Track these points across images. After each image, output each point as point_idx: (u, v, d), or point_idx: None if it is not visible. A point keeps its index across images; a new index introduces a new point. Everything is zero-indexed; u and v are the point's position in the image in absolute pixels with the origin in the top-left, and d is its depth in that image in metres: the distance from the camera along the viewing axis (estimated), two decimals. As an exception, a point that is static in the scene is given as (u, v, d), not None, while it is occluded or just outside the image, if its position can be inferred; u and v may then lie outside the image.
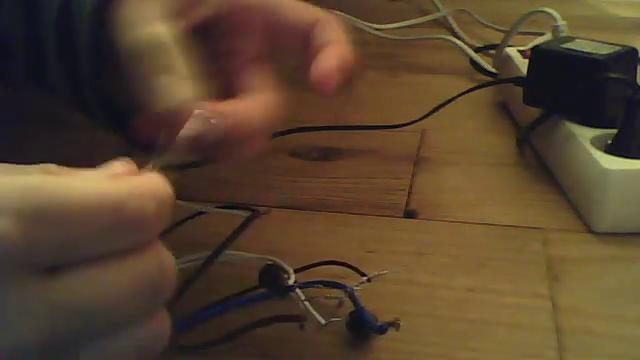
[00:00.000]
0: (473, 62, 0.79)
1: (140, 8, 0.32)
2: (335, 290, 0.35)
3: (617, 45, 0.54)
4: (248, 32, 0.35)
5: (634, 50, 0.54)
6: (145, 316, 0.23)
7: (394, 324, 0.34)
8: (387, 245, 0.45)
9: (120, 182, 0.23)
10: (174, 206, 0.24)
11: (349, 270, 0.38)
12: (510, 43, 0.73)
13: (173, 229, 0.42)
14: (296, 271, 0.37)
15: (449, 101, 0.62)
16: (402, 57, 0.85)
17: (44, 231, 0.20)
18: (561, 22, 0.68)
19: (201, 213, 0.43)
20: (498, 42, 0.76)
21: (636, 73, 0.54)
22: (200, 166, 0.41)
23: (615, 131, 0.48)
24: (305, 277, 0.37)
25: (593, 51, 0.52)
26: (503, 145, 0.60)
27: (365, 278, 0.36)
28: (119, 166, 0.24)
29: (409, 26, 0.94)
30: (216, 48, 0.34)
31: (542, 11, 0.70)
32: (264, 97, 0.34)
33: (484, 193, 0.52)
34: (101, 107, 0.36)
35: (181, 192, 0.42)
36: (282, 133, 0.56)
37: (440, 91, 0.65)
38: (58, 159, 0.61)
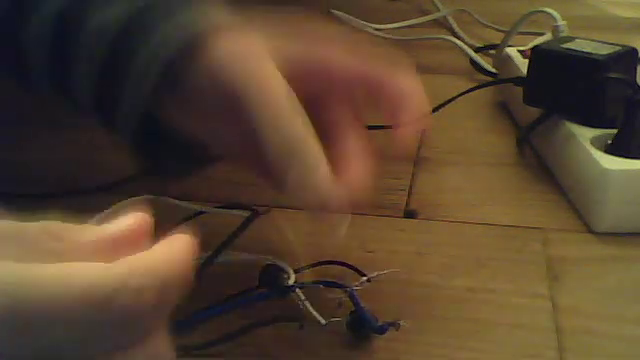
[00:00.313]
0: (473, 62, 0.79)
1: (270, 84, 0.33)
2: (335, 290, 0.35)
3: (617, 45, 0.54)
4: (346, 102, 0.37)
5: (634, 50, 0.54)
6: None
7: (394, 324, 0.34)
8: (387, 245, 0.45)
9: (118, 266, 0.20)
10: (189, 277, 0.22)
11: (349, 270, 0.38)
12: (510, 43, 0.73)
13: (173, 229, 0.42)
14: (296, 271, 0.37)
15: (449, 101, 0.62)
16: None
17: (23, 338, 0.18)
18: (561, 22, 0.68)
19: (201, 213, 0.43)
20: (498, 42, 0.76)
21: (636, 73, 0.53)
22: (198, 172, 0.41)
23: (615, 131, 0.48)
24: (305, 277, 0.37)
25: (593, 51, 0.52)
26: (503, 145, 0.60)
27: (365, 278, 0.36)
28: (132, 221, 0.23)
29: (409, 26, 0.94)
30: (312, 114, 0.35)
31: (542, 11, 0.70)
32: (363, 165, 0.35)
33: (484, 193, 0.52)
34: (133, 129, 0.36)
35: (181, 192, 0.42)
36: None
37: (440, 91, 0.65)
38: (58, 159, 0.61)
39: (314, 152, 0.32)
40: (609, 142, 0.48)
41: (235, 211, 0.42)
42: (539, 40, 0.74)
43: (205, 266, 0.36)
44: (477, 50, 0.83)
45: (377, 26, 0.92)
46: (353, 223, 0.42)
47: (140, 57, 0.35)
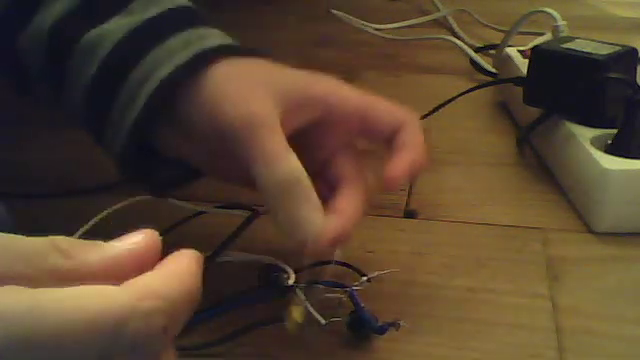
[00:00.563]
0: (473, 62, 0.79)
1: (274, 137, 0.33)
2: (335, 290, 0.35)
3: (617, 45, 0.54)
4: (343, 131, 0.37)
5: (634, 50, 0.54)
6: None
7: (394, 324, 0.34)
8: (387, 245, 0.45)
9: (127, 290, 0.20)
10: (198, 296, 0.22)
11: (349, 270, 0.38)
12: (510, 43, 0.73)
13: (173, 229, 0.42)
14: (296, 271, 0.37)
15: (449, 101, 0.62)
16: (402, 57, 0.85)
17: None
18: (561, 22, 0.68)
19: (201, 213, 0.43)
20: (498, 42, 0.76)
21: (636, 73, 0.53)
22: (197, 179, 0.41)
23: (615, 131, 0.48)
24: (305, 277, 0.37)
25: (593, 51, 0.52)
26: (503, 145, 0.60)
27: (365, 278, 0.36)
28: (138, 241, 0.22)
29: (409, 26, 0.94)
30: (308, 141, 0.35)
31: (542, 11, 0.70)
32: (356, 190, 0.36)
33: (484, 193, 0.52)
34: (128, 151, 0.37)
35: (181, 192, 0.42)
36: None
37: (440, 91, 0.66)
38: (58, 159, 0.61)
39: (306, 193, 0.33)
40: (609, 142, 0.48)
41: (235, 211, 0.42)
42: (539, 40, 0.74)
43: (205, 266, 0.36)
44: (477, 50, 0.83)
45: (377, 26, 0.92)
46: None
47: (131, 80, 0.35)
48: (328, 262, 0.35)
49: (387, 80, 0.78)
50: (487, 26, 0.93)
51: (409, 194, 0.51)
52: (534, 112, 0.55)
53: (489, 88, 0.68)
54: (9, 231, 0.21)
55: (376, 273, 0.37)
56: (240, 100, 0.34)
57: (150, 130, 0.36)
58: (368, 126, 0.37)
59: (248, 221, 0.37)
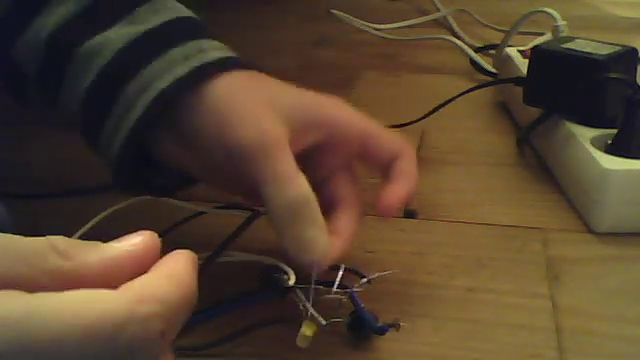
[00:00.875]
0: (473, 62, 0.79)
1: (285, 158, 0.34)
2: (336, 291, 0.35)
3: (617, 45, 0.54)
4: (342, 153, 0.38)
5: (634, 50, 0.54)
6: None
7: (394, 325, 0.34)
8: (387, 245, 0.45)
9: (125, 294, 0.20)
10: (195, 293, 0.22)
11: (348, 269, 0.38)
12: (510, 43, 0.73)
13: (173, 229, 0.42)
14: (296, 272, 0.37)
15: (449, 101, 0.62)
16: (402, 57, 0.85)
17: None
18: (561, 22, 0.68)
19: (201, 213, 0.43)
20: (498, 42, 0.76)
21: (636, 73, 0.53)
22: (192, 185, 0.42)
23: (615, 131, 0.48)
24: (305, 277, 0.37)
25: (593, 51, 0.52)
26: (503, 145, 0.60)
27: (365, 280, 0.36)
28: (137, 243, 0.22)
29: (409, 26, 0.94)
30: (308, 160, 0.36)
31: (542, 11, 0.70)
32: (353, 212, 0.38)
33: (484, 193, 0.52)
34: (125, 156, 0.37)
35: (181, 192, 0.42)
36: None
37: (440, 91, 0.66)
38: (58, 159, 0.61)
39: (314, 215, 0.34)
40: (609, 142, 0.48)
41: (235, 211, 0.42)
42: (539, 40, 0.74)
43: (205, 266, 0.36)
44: (477, 50, 0.83)
45: (377, 26, 0.92)
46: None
47: (129, 90, 0.35)
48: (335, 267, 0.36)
49: (387, 80, 0.78)
50: (487, 26, 0.94)
51: (409, 194, 0.51)
52: (534, 112, 0.55)
53: (489, 88, 0.68)
54: (9, 231, 0.21)
55: (376, 274, 0.37)
56: (250, 118, 0.34)
57: (147, 140, 0.36)
58: (368, 151, 0.38)
59: (248, 221, 0.37)
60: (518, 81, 0.59)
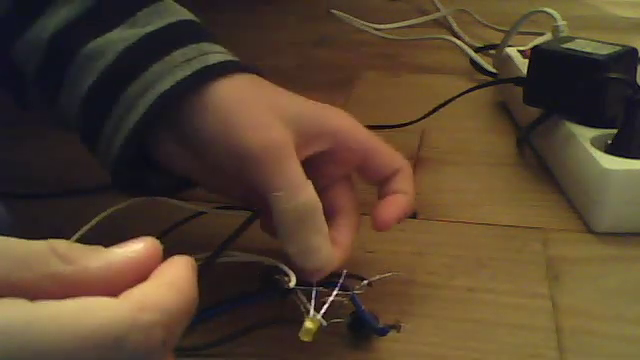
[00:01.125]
0: (473, 62, 0.79)
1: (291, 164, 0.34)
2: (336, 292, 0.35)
3: (617, 45, 0.54)
4: (343, 164, 0.38)
5: (634, 50, 0.54)
6: None
7: (395, 326, 0.34)
8: (387, 245, 0.45)
9: (126, 303, 0.20)
10: (196, 300, 0.22)
11: (349, 270, 0.38)
12: (510, 43, 0.73)
13: (173, 229, 0.42)
14: (297, 273, 0.37)
15: (449, 101, 0.62)
16: (402, 57, 0.85)
17: None
18: (561, 22, 0.68)
19: (201, 213, 0.43)
20: (498, 42, 0.76)
21: (636, 73, 0.53)
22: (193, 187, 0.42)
23: (615, 131, 0.48)
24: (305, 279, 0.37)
25: (593, 51, 0.52)
26: (503, 145, 0.60)
27: (365, 282, 0.36)
28: (139, 249, 0.22)
29: (409, 26, 0.94)
30: (309, 169, 0.36)
31: (542, 11, 0.70)
32: (352, 222, 0.38)
33: (484, 193, 0.52)
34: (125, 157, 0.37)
35: (180, 194, 0.42)
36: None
37: (440, 91, 0.66)
38: (58, 159, 0.61)
39: (320, 223, 0.34)
40: (609, 142, 0.48)
41: (236, 212, 0.42)
42: (539, 40, 0.74)
43: (205, 267, 0.36)
44: (477, 50, 0.83)
45: (377, 26, 0.92)
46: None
47: (129, 92, 0.35)
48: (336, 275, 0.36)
49: (387, 80, 0.78)
50: (487, 26, 0.93)
51: (409, 194, 0.51)
52: (534, 112, 0.55)
53: (489, 88, 0.68)
54: (9, 231, 0.21)
55: (377, 277, 0.37)
56: (258, 123, 0.34)
57: (147, 140, 0.36)
58: (368, 164, 0.38)
59: (249, 221, 0.37)
60: (518, 81, 0.59)
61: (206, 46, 0.37)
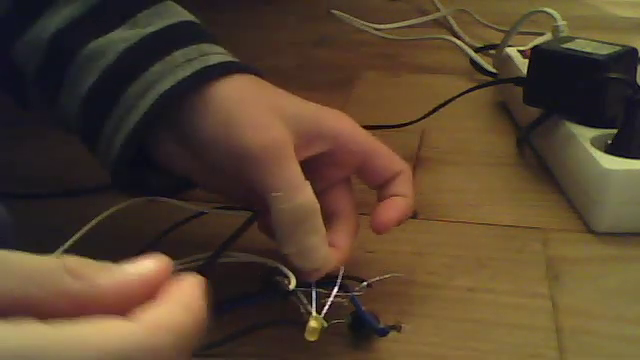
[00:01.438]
0: (473, 62, 0.79)
1: (290, 166, 0.34)
2: (336, 294, 0.35)
3: (617, 45, 0.54)
4: (343, 166, 0.38)
5: (634, 50, 0.54)
6: None
7: (396, 327, 0.34)
8: (387, 245, 0.45)
9: (136, 325, 0.20)
10: (206, 320, 0.22)
11: (349, 270, 0.38)
12: (510, 43, 0.73)
13: (173, 229, 0.42)
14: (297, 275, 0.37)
15: (449, 101, 0.62)
16: (402, 57, 0.85)
17: None
18: (561, 22, 0.68)
19: (201, 213, 0.43)
20: (498, 42, 0.76)
21: (636, 73, 0.53)
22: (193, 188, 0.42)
23: (615, 131, 0.48)
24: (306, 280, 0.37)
25: (593, 51, 0.52)
26: (503, 145, 0.60)
27: (365, 283, 0.36)
28: (150, 267, 0.22)
29: (409, 26, 0.94)
30: (309, 171, 0.36)
31: (542, 11, 0.70)
32: (351, 225, 0.39)
33: (484, 193, 0.52)
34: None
35: (180, 194, 0.42)
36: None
37: (440, 91, 0.66)
38: (58, 159, 0.61)
39: (318, 224, 0.34)
40: (609, 142, 0.48)
41: (236, 212, 0.42)
42: (539, 40, 0.74)
43: (206, 267, 0.36)
44: (477, 50, 0.83)
45: (377, 26, 0.92)
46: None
47: (130, 92, 0.35)
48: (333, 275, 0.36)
49: (387, 80, 0.78)
50: (487, 26, 0.93)
51: (409, 194, 0.51)
52: (534, 112, 0.55)
53: (489, 88, 0.68)
54: (9, 231, 0.21)
55: (377, 278, 0.37)
56: (259, 123, 0.34)
57: (147, 140, 0.36)
58: (368, 167, 0.38)
59: (249, 222, 0.37)
60: (518, 81, 0.59)
61: (207, 47, 0.37)
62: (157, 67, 0.35)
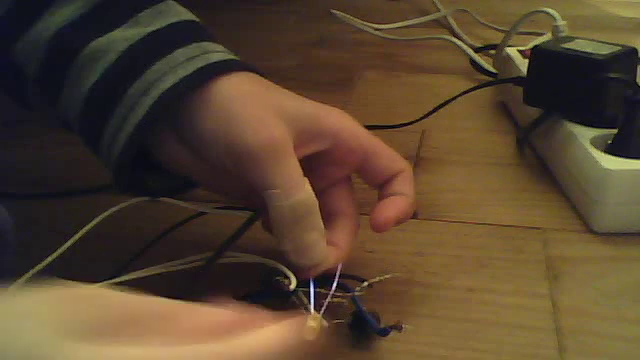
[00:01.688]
0: (473, 62, 0.79)
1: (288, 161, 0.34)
2: (337, 294, 0.35)
3: (617, 45, 0.54)
4: (343, 165, 0.38)
5: (634, 50, 0.54)
6: None
7: (397, 327, 0.34)
8: (387, 245, 0.45)
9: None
10: None
11: (349, 270, 0.38)
12: (510, 43, 0.73)
13: (173, 229, 0.42)
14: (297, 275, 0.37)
15: (449, 101, 0.62)
16: (402, 57, 0.85)
17: None
18: (561, 22, 0.68)
19: (202, 213, 0.43)
20: (498, 42, 0.76)
21: (636, 73, 0.53)
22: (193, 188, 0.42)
23: (615, 131, 0.48)
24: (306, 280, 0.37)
25: (593, 51, 0.52)
26: (503, 145, 0.60)
27: (366, 284, 0.36)
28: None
29: (409, 26, 0.94)
30: (309, 169, 0.36)
31: (542, 11, 0.70)
32: (351, 224, 0.38)
33: (484, 193, 0.52)
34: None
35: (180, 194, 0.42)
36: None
37: (440, 91, 0.66)
38: (58, 159, 0.61)
39: (316, 221, 0.34)
40: (609, 142, 0.48)
41: (236, 212, 0.42)
42: (539, 40, 0.74)
43: (207, 267, 0.36)
44: (477, 50, 0.83)
45: (377, 26, 0.92)
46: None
47: (132, 91, 0.35)
48: (332, 275, 0.36)
49: (387, 80, 0.78)
50: (487, 26, 0.93)
51: (409, 194, 0.51)
52: (534, 112, 0.55)
53: (489, 88, 0.68)
54: (9, 231, 0.21)
55: (377, 278, 0.37)
56: (258, 121, 0.34)
57: (150, 141, 0.36)
58: (368, 166, 0.38)
59: (249, 222, 0.37)
60: (518, 81, 0.59)
61: (207, 45, 0.37)
62: (159, 66, 0.35)
